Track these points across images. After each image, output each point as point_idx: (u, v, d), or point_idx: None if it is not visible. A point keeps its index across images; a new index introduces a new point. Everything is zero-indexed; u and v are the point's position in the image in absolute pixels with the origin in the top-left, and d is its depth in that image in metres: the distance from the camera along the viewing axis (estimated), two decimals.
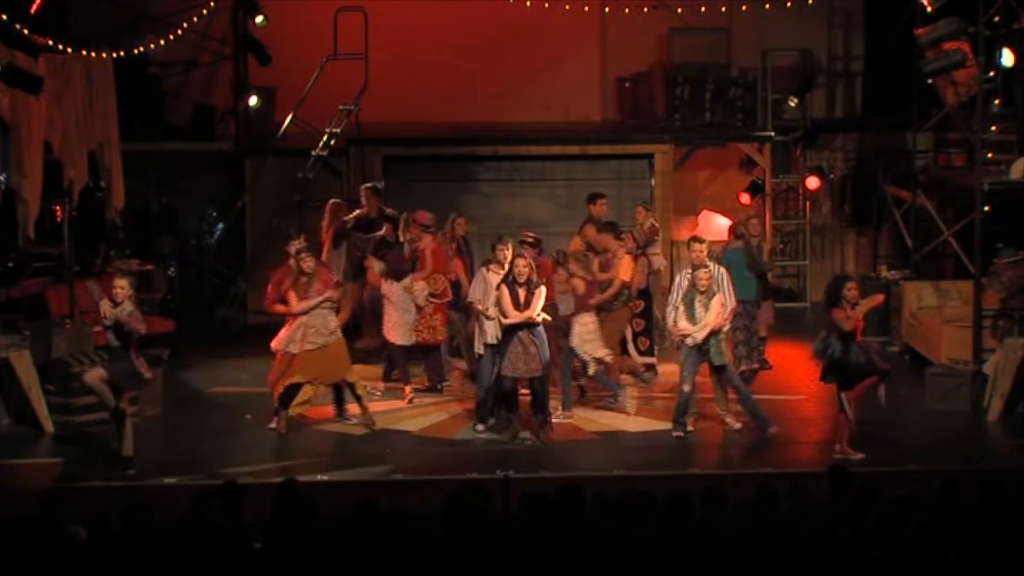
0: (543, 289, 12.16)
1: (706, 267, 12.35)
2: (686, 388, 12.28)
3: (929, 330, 14.68)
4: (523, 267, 12.09)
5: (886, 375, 11.84)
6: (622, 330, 13.86)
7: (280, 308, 12.70)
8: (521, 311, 11.99)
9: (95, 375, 11.48)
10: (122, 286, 11.37)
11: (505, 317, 12.05)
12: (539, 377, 12.13)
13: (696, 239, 12.77)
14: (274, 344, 12.57)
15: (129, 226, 16.87)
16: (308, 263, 12.48)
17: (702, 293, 12.19)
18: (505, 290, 12.10)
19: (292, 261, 12.73)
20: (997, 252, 14.47)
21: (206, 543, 7.46)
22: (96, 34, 16.21)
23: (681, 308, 12.24)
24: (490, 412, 12.59)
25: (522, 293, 12.05)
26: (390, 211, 15.17)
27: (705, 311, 12.17)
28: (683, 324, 12.21)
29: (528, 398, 12.47)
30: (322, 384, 12.61)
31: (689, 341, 12.16)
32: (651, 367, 14.46)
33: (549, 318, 12.30)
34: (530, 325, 12.02)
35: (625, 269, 13.48)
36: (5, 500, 9.93)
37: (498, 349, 12.24)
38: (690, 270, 12.45)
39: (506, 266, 12.45)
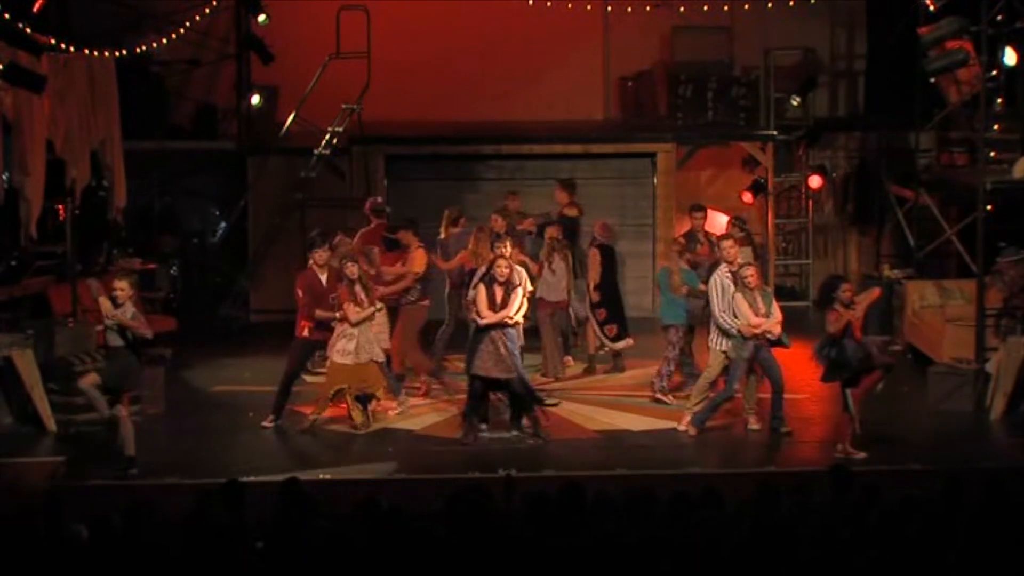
0: (520, 291, 12.09)
1: (750, 264, 12.34)
2: (736, 387, 12.29)
3: (932, 329, 14.68)
4: (503, 267, 12.01)
5: (888, 369, 11.87)
6: (418, 326, 13.69)
7: (326, 314, 12.51)
8: (496, 311, 11.96)
9: (89, 379, 11.47)
10: (122, 287, 11.28)
11: (480, 317, 11.99)
12: (514, 379, 12.02)
13: (724, 236, 12.77)
14: (330, 352, 12.48)
15: (132, 225, 16.94)
16: (353, 269, 12.39)
17: (752, 289, 12.14)
18: (482, 289, 12.04)
19: (313, 267, 12.75)
20: (1000, 251, 14.48)
21: (208, 542, 7.46)
22: (99, 33, 16.20)
23: (745, 306, 12.09)
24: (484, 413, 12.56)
25: (499, 293, 11.98)
26: (574, 212, 15.22)
27: (767, 306, 12.13)
28: (756, 319, 12.09)
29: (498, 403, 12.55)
30: (351, 393, 12.59)
31: (770, 336, 12.13)
32: (618, 355, 14.58)
33: (522, 321, 12.26)
34: (503, 325, 11.96)
35: (418, 263, 13.43)
36: (8, 498, 9.94)
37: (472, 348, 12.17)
38: (726, 268, 12.39)
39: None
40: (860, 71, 19.62)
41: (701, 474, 11.12)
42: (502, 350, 11.89)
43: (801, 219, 19.02)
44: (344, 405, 12.62)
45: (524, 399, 12.21)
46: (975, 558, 7.22)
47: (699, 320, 13.39)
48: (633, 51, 19.29)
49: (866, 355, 11.68)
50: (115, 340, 11.35)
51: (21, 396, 12.78)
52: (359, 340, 12.32)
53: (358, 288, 12.35)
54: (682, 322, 13.39)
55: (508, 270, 12.01)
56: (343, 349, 12.31)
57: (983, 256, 13.96)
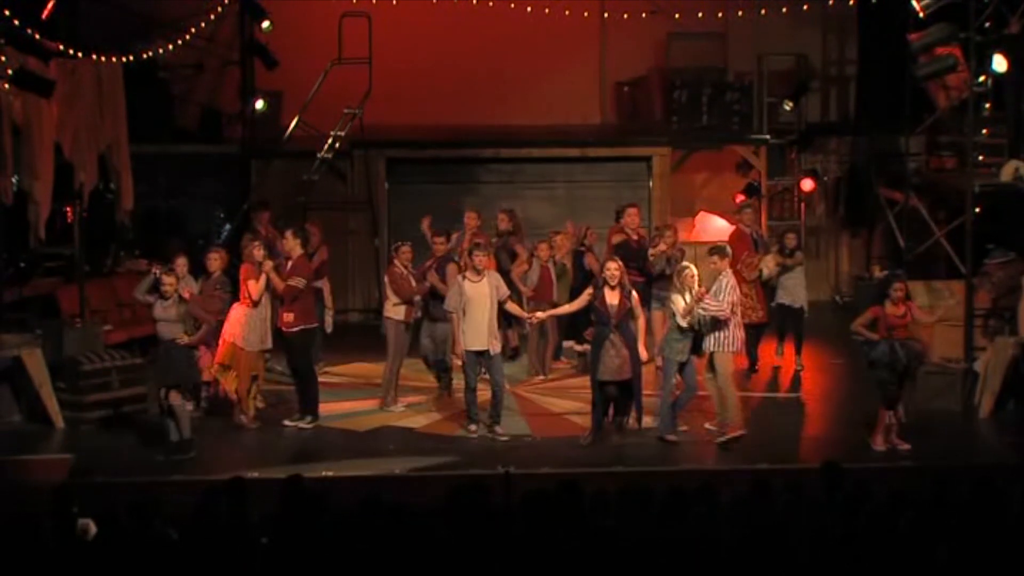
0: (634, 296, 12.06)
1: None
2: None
3: (921, 329, 14.80)
4: (614, 271, 11.96)
5: (892, 406, 12.01)
6: None
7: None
8: (613, 314, 11.87)
9: (175, 398, 11.85)
10: (170, 282, 11.79)
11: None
12: (627, 380, 12.02)
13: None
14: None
15: (138, 227, 16.99)
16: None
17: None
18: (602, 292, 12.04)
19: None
20: (988, 253, 14.60)
21: (213, 538, 7.60)
22: (106, 39, 16.33)
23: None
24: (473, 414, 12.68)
25: (613, 296, 11.94)
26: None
27: None
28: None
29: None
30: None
31: None
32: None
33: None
34: (619, 326, 11.89)
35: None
36: (17, 495, 9.99)
37: (480, 356, 12.35)
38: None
39: (483, 273, 12.48)
40: (851, 76, 19.77)
41: (696, 470, 11.22)
42: (623, 351, 11.88)
43: (793, 221, 19.03)
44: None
45: (636, 398, 12.16)
46: (964, 554, 7.33)
47: None
48: (629, 57, 19.45)
49: (896, 360, 11.88)
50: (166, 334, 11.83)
51: (30, 394, 12.94)
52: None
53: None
54: None
55: (619, 273, 11.97)
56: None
57: (971, 258, 14.10)
